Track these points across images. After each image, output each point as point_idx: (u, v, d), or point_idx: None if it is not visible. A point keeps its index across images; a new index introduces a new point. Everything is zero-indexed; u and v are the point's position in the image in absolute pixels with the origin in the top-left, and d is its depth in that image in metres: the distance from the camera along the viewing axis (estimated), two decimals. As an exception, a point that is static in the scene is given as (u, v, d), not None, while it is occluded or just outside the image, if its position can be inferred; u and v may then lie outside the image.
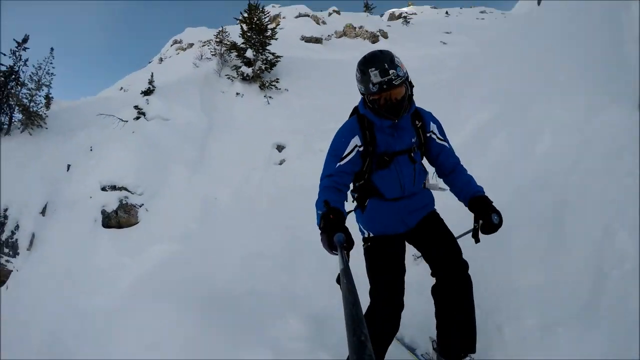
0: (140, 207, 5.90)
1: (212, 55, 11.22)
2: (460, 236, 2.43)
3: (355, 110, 2.20)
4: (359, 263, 2.03)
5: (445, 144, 2.21)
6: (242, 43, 10.45)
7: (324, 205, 1.87)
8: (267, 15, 11.18)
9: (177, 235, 5.37)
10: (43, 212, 5.83)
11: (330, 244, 1.70)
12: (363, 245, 2.22)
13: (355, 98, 2.17)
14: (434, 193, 2.34)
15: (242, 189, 6.39)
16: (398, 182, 2.10)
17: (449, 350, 2.12)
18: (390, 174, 2.10)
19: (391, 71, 1.88)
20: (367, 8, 23.31)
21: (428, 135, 2.16)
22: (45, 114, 7.68)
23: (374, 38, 16.27)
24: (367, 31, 16.40)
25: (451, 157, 2.21)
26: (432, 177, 2.30)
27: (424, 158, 2.25)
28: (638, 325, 1.54)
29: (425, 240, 2.21)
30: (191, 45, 16.05)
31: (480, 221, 1.97)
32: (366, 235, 2.22)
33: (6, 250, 5.46)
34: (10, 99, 7.54)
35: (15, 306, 4.73)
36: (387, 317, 2.00)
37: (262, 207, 5.83)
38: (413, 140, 2.10)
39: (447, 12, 26.53)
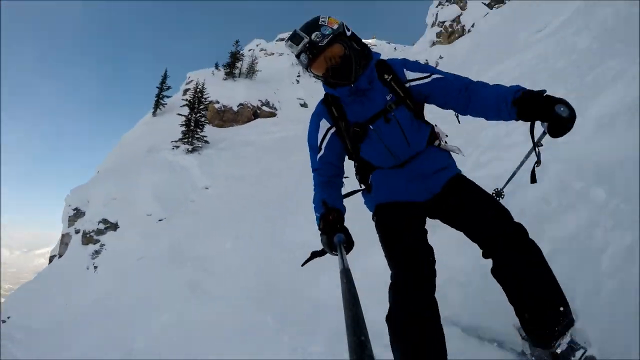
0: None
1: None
2: (518, 167, 2.10)
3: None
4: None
5: (436, 75, 1.76)
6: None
7: (322, 205, 1.78)
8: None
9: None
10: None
11: (330, 245, 1.63)
12: (374, 219, 1.88)
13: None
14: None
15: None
16: (385, 149, 1.78)
17: (541, 336, 1.51)
18: (372, 143, 1.79)
19: (314, 34, 1.63)
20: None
21: (408, 85, 1.77)
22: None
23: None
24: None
25: (452, 83, 1.73)
26: (444, 137, 1.90)
27: (421, 111, 1.83)
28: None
29: (459, 212, 1.72)
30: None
31: (545, 124, 1.45)
32: (374, 211, 1.89)
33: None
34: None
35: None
36: (415, 286, 1.57)
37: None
38: (388, 97, 1.75)
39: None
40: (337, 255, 1.45)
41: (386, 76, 1.77)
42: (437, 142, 1.86)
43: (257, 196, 13.66)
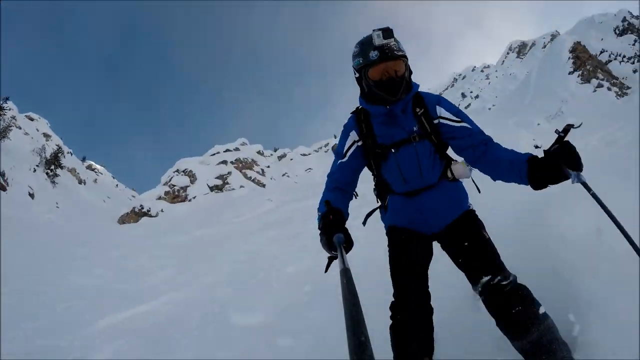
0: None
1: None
2: None
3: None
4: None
5: (465, 124, 1.89)
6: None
7: (324, 205, 1.85)
8: None
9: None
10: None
11: (329, 245, 1.68)
12: (387, 236, 2.12)
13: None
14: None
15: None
16: (399, 174, 1.95)
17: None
18: (389, 166, 1.97)
19: (392, 40, 1.77)
20: None
21: (436, 122, 1.91)
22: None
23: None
24: None
25: (476, 135, 1.86)
26: (462, 165, 1.97)
27: (443, 147, 1.98)
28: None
29: (458, 250, 1.91)
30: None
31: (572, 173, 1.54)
32: (387, 229, 2.10)
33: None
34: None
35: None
36: (415, 323, 1.82)
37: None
38: (415, 128, 1.90)
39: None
40: (336, 255, 1.59)
41: (418, 110, 1.90)
42: (449, 175, 1.98)
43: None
